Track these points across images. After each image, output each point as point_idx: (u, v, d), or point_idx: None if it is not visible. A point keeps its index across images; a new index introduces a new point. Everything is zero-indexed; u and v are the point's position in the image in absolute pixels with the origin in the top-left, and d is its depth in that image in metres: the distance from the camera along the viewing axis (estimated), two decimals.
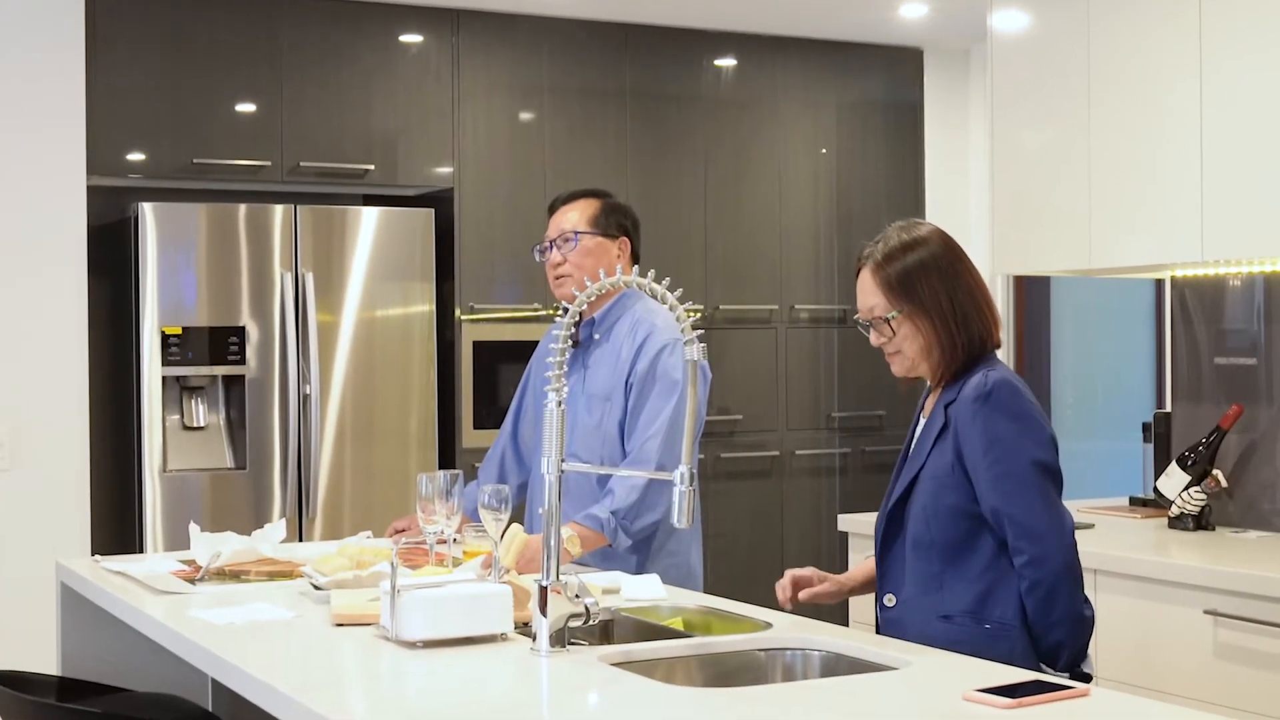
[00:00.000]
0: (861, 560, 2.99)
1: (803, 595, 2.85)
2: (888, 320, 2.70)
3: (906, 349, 2.72)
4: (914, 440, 2.81)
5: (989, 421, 2.61)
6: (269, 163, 5.41)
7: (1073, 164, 4.37)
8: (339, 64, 5.53)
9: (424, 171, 5.68)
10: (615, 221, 3.64)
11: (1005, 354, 6.50)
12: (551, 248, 3.62)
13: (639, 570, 3.41)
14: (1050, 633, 2.60)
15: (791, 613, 2.85)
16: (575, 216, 3.62)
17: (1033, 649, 2.61)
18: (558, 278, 3.60)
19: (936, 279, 2.69)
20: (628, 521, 3.37)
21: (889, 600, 2.72)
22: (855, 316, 2.80)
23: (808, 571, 2.88)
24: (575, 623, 2.52)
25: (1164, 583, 3.63)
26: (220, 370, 5.23)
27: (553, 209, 3.69)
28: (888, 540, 2.74)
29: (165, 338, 5.13)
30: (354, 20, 5.55)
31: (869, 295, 2.73)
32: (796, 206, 6.28)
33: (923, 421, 2.79)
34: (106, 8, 5.19)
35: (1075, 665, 2.63)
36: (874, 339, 2.75)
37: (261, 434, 5.27)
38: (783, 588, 2.86)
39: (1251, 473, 4.23)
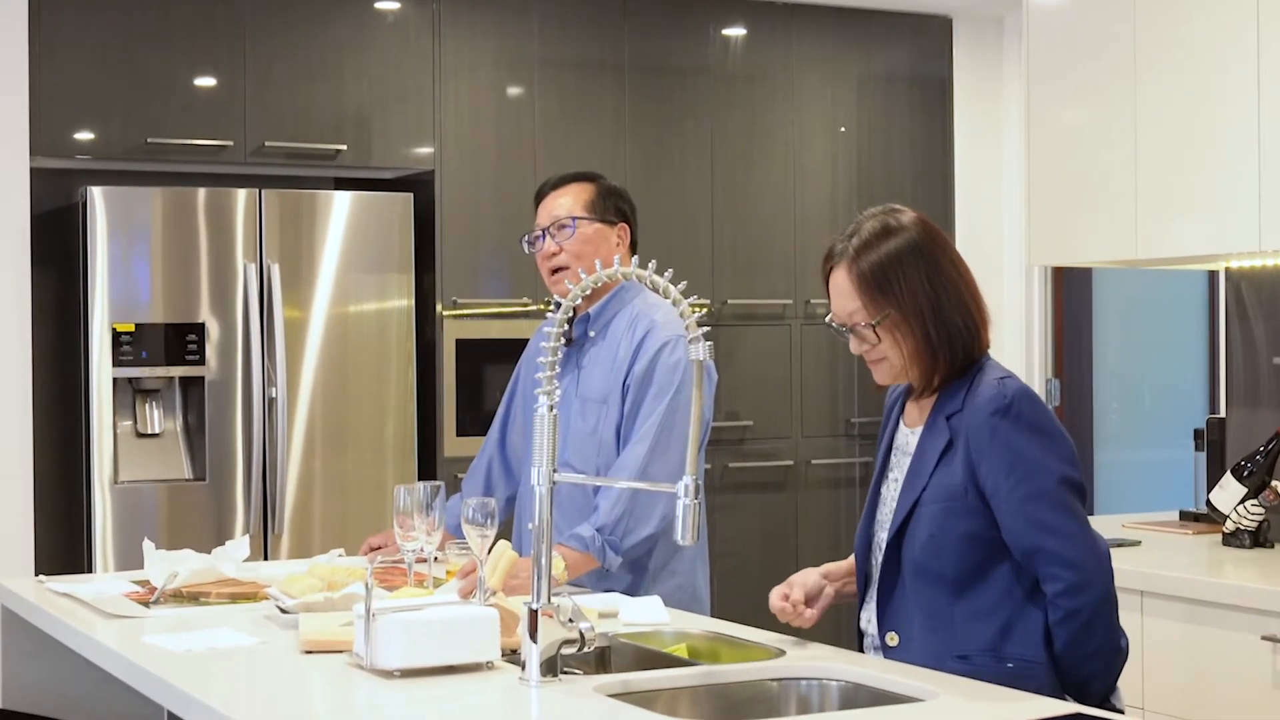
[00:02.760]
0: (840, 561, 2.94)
1: (811, 616, 2.80)
2: (872, 327, 2.66)
3: (893, 356, 2.68)
4: (891, 452, 2.78)
5: (1010, 437, 2.59)
6: (231, 142, 5.41)
7: (1117, 143, 4.38)
8: (308, 34, 5.53)
9: (402, 152, 5.68)
10: (613, 205, 3.64)
11: (1043, 354, 6.50)
12: (544, 236, 3.61)
13: (638, 591, 3.41)
14: (1083, 665, 2.60)
15: (787, 628, 2.82)
16: (569, 202, 3.61)
17: (1059, 685, 2.60)
18: (553, 270, 3.60)
19: (915, 271, 2.65)
20: (615, 538, 3.37)
21: (891, 639, 2.70)
22: (828, 319, 2.75)
23: (817, 577, 2.83)
24: (569, 649, 2.52)
25: (1218, 605, 3.63)
26: (177, 371, 5.23)
27: (540, 196, 3.68)
28: (885, 573, 2.71)
29: (116, 335, 5.13)
30: None
31: (845, 299, 2.68)
32: (813, 191, 6.28)
33: (906, 432, 2.77)
34: None
35: (1106, 699, 2.63)
36: (854, 346, 2.71)
37: (222, 441, 5.27)
38: (790, 602, 2.78)
39: None
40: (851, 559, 2.87)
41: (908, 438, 2.76)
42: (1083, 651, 2.58)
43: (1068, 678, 2.60)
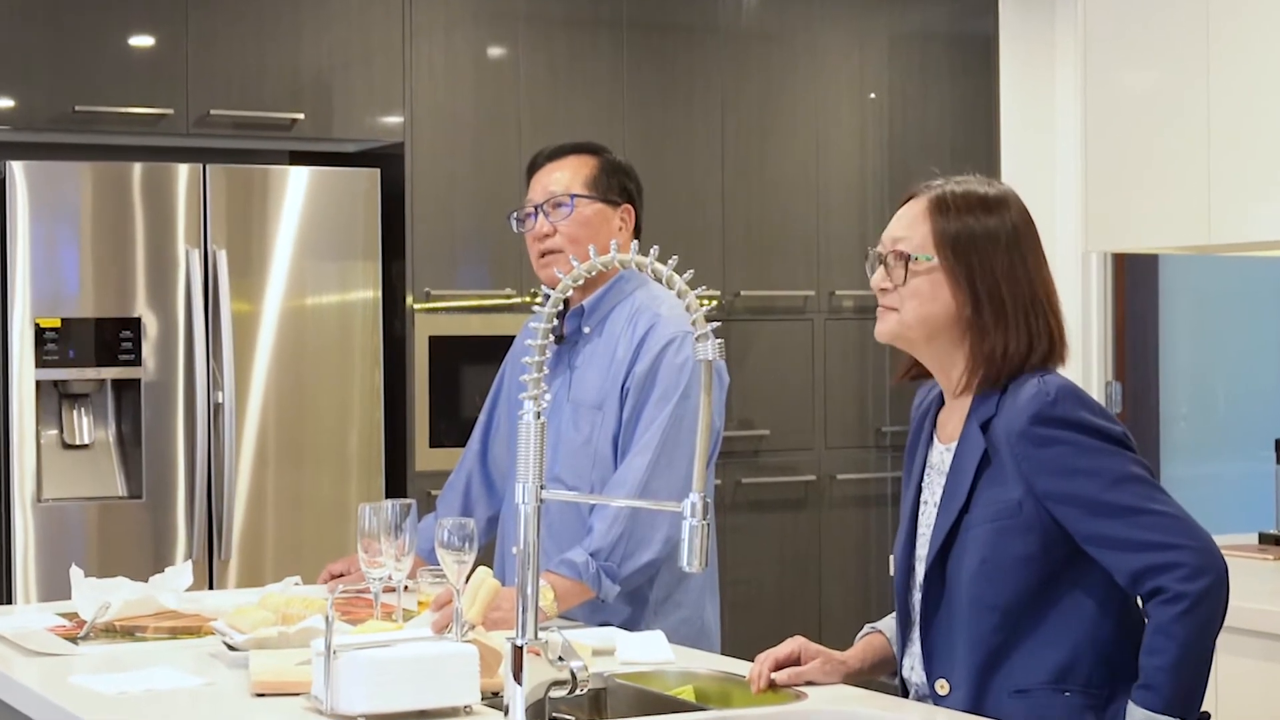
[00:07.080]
0: (863, 634, 2.94)
1: (779, 676, 2.79)
2: (908, 260, 2.68)
3: (908, 310, 2.69)
4: (925, 469, 2.78)
5: (1066, 437, 2.60)
6: (171, 111, 5.41)
7: (1187, 113, 4.38)
8: None
9: (366, 122, 5.68)
10: (617, 184, 3.64)
11: (1102, 354, 6.50)
12: (536, 214, 3.61)
13: (638, 626, 3.41)
14: (1204, 665, 2.55)
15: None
16: (566, 177, 3.61)
17: (1118, 708, 2.58)
18: (544, 254, 3.59)
19: (1001, 251, 2.67)
20: (613, 564, 3.36)
21: (941, 688, 2.68)
22: (871, 247, 2.77)
23: (791, 647, 2.83)
24: (558, 692, 2.52)
25: None
26: (109, 373, 5.23)
27: (534, 168, 3.68)
28: (928, 609, 2.71)
29: (39, 332, 5.13)
30: None
31: (906, 224, 2.71)
32: (838, 167, 6.29)
33: (941, 449, 2.76)
34: None
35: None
36: (877, 277, 2.73)
37: (161, 453, 5.26)
38: (758, 675, 2.79)
39: None
40: (863, 645, 2.88)
41: (943, 454, 2.76)
42: (1207, 645, 2.54)
43: (1181, 685, 2.53)
